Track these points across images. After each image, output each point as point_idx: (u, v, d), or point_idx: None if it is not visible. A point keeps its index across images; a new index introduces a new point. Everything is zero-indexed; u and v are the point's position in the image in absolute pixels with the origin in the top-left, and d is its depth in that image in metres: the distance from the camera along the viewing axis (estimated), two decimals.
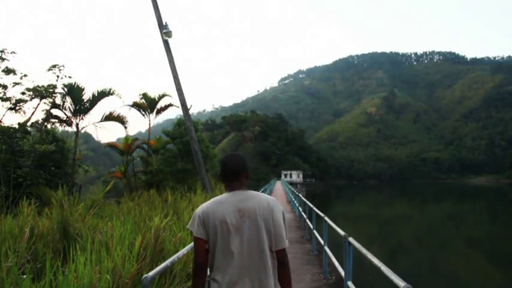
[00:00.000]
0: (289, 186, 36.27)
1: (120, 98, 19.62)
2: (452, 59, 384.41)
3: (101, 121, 18.92)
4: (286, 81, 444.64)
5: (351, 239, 5.17)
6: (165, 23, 18.06)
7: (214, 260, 2.60)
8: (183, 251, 4.70)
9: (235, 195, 2.67)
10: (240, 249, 2.54)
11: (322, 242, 8.28)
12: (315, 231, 10.36)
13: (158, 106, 23.75)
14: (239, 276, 2.52)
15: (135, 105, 23.37)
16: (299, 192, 22.19)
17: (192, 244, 5.16)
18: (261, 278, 2.54)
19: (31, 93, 16.01)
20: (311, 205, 11.52)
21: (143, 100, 23.47)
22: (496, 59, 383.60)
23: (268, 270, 2.56)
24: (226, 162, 2.78)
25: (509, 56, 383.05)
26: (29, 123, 16.54)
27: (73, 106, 17.88)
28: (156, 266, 4.45)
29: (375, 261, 3.89)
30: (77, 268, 4.79)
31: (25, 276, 4.70)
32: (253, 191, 2.75)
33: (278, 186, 59.43)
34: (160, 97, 23.48)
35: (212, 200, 2.73)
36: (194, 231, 2.64)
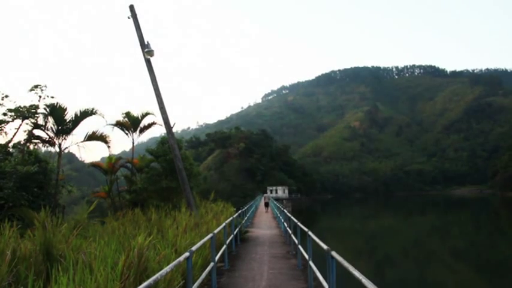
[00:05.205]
0: (275, 202, 36.22)
1: (103, 117, 19.49)
2: (432, 72, 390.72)
3: (84, 141, 18.77)
4: (269, 97, 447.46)
5: (333, 253, 5.21)
6: (147, 42, 18.15)
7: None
8: (167, 269, 4.69)
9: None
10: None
11: (307, 257, 8.30)
12: (299, 246, 10.38)
13: (141, 125, 23.70)
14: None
15: (118, 124, 23.29)
16: (284, 208, 22.27)
17: (175, 262, 5.18)
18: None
19: (13, 114, 15.88)
20: (295, 220, 11.56)
21: (126, 119, 23.39)
22: (475, 71, 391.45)
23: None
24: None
25: (488, 69, 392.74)
26: (10, 144, 16.36)
27: (55, 126, 17.71)
28: (140, 284, 4.45)
29: (356, 274, 3.95)
30: None
31: None
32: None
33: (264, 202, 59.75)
34: (144, 116, 23.43)
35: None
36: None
